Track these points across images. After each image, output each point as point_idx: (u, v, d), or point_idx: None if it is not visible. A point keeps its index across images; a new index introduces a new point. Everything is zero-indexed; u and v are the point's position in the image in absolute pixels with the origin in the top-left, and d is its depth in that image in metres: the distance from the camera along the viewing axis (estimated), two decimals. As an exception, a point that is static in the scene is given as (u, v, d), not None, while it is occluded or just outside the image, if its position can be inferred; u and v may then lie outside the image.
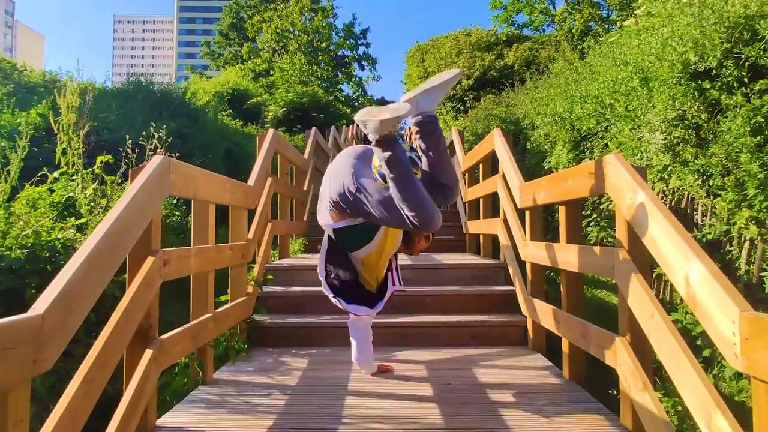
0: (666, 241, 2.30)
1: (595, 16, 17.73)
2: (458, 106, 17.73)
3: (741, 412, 3.56)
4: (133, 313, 2.49)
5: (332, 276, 3.60)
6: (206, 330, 3.48)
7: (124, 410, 2.36)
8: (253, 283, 4.74)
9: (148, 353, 2.65)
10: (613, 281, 2.98)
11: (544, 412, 3.09)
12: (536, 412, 3.09)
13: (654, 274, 5.14)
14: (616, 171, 2.86)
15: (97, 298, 2.04)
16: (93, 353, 2.11)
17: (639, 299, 2.62)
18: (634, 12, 8.99)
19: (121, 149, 5.35)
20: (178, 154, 6.31)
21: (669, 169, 5.24)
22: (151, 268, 2.65)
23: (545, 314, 4.12)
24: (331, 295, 3.60)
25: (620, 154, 2.97)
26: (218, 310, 3.81)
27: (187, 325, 3.22)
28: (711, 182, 4.81)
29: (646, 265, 2.88)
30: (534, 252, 4.40)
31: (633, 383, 2.69)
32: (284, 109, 19.89)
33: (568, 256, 3.58)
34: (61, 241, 4.08)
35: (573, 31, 17.25)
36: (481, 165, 6.82)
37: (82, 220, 4.56)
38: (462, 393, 3.45)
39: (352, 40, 34.72)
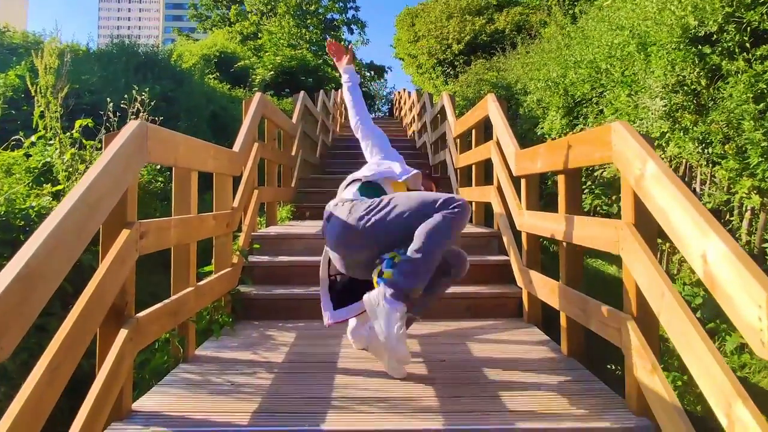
0: (680, 216, 2.13)
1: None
2: (448, 70, 17.49)
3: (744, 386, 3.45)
4: (106, 291, 2.31)
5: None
6: (188, 305, 3.31)
7: (97, 394, 2.19)
8: (238, 253, 4.55)
9: (122, 333, 2.47)
10: (615, 254, 2.83)
11: (544, 392, 2.95)
12: (536, 392, 2.95)
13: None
14: (622, 139, 2.69)
15: (63, 277, 1.86)
16: (59, 336, 1.93)
17: (648, 276, 2.46)
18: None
19: (102, 113, 5.13)
20: (161, 118, 6.14)
21: (667, 137, 5.08)
22: (126, 241, 2.47)
23: (542, 287, 3.98)
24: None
25: (626, 121, 2.80)
26: (201, 283, 3.63)
27: (166, 301, 3.04)
28: (711, 150, 4.66)
29: (654, 238, 2.72)
30: (531, 222, 4.24)
31: (640, 364, 2.54)
32: (272, 72, 19.54)
33: (567, 228, 3.42)
34: (35, 209, 3.88)
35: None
36: (473, 131, 6.63)
37: (59, 187, 4.36)
38: (457, 370, 3.31)
39: (341, 3, 34.13)
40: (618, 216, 5.86)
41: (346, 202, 3.22)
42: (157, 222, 2.88)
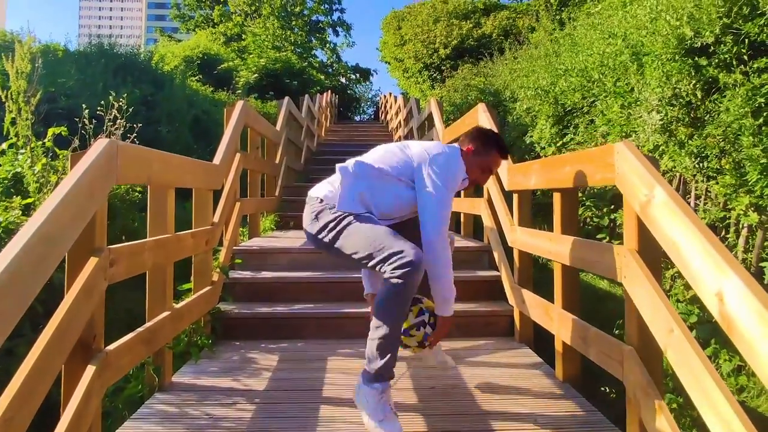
0: (693, 249, 1.98)
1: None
2: (435, 75, 17.37)
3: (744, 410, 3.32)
4: (71, 325, 2.12)
5: None
6: (163, 331, 3.12)
7: (61, 439, 2.01)
8: (218, 270, 4.36)
9: (90, 369, 2.28)
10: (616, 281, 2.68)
11: (540, 425, 2.80)
12: (531, 425, 2.79)
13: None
14: (627, 161, 2.53)
15: (19, 317, 1.67)
16: (15, 382, 1.74)
17: (653, 308, 2.31)
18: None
19: (78, 119, 4.93)
20: (140, 125, 5.94)
21: (660, 149, 4.95)
22: (93, 270, 2.28)
23: (535, 307, 3.83)
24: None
25: (631, 142, 2.64)
26: (178, 305, 3.44)
27: (139, 330, 2.85)
28: (706, 164, 4.53)
29: (658, 267, 2.57)
30: (523, 239, 4.09)
31: (644, 402, 2.39)
32: (256, 75, 19.31)
33: (564, 248, 3.26)
34: (3, 224, 3.69)
35: (551, 0, 16.86)
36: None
37: (30, 200, 4.15)
38: (448, 399, 3.15)
39: (326, 5, 33.87)
40: (608, 228, 5.73)
41: (314, 203, 3.01)
42: (128, 247, 2.68)
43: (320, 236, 2.94)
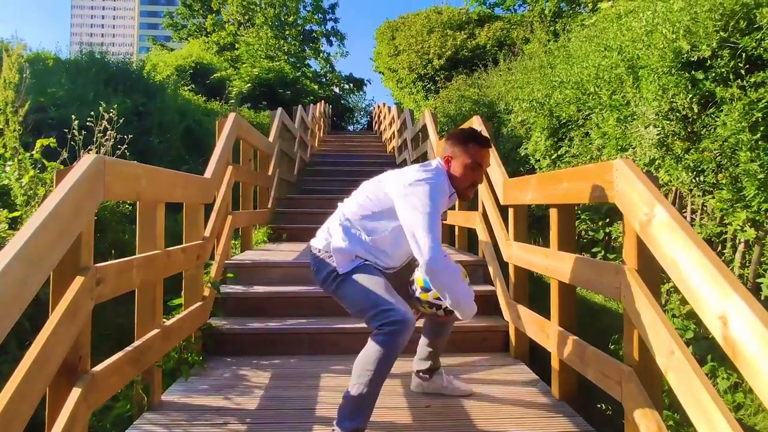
0: (696, 271, 1.93)
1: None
2: (429, 86, 17.34)
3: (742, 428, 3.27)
4: (55, 347, 2.05)
5: None
6: (153, 349, 3.04)
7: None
8: (210, 285, 4.29)
9: (75, 392, 2.21)
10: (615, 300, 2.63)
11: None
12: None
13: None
14: (626, 179, 2.48)
15: (0, 341, 1.61)
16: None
17: (654, 330, 2.26)
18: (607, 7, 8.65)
19: (67, 130, 4.86)
20: (131, 136, 5.88)
21: (656, 164, 4.91)
22: (79, 290, 2.21)
23: (531, 324, 3.78)
24: None
25: (629, 159, 2.60)
26: (168, 323, 3.37)
27: (127, 349, 2.77)
28: (703, 178, 4.50)
29: (658, 287, 2.53)
30: (519, 254, 4.04)
31: (644, 424, 2.34)
32: (249, 84, 19.30)
33: (561, 265, 3.21)
34: (-11, 239, 3.62)
35: (545, 12, 16.89)
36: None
37: (17, 213, 4.08)
38: (442, 418, 3.09)
39: (320, 15, 33.95)
40: (604, 242, 5.69)
41: (315, 253, 3.04)
42: (116, 265, 2.61)
43: (325, 286, 3.01)
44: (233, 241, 6.05)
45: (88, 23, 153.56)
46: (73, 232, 2.13)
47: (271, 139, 7.92)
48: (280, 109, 9.14)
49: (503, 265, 4.57)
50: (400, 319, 2.64)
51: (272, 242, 7.17)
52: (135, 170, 2.80)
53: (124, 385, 2.89)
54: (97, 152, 5.22)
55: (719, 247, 4.54)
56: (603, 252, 5.51)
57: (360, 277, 2.85)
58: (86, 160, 2.29)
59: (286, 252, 5.99)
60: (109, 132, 5.34)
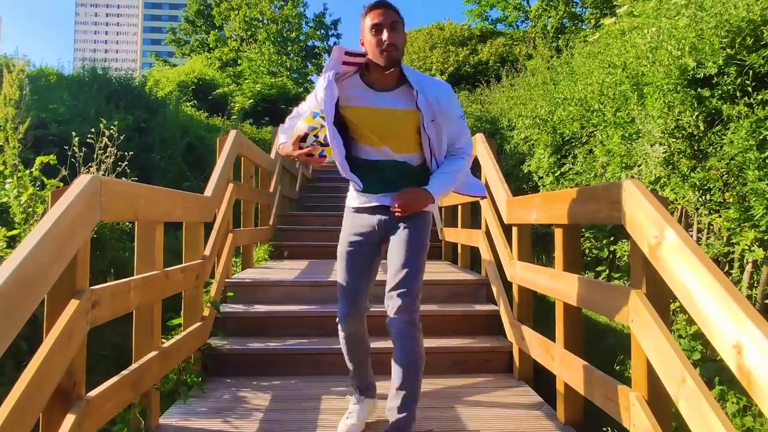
0: (708, 297, 1.87)
1: (569, 14, 17.42)
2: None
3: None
4: (49, 372, 2.00)
5: None
6: (151, 372, 2.98)
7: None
8: (209, 305, 4.23)
9: (69, 419, 2.15)
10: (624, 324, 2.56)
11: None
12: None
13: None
14: (635, 201, 2.42)
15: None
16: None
17: (664, 357, 2.20)
18: (614, 11, 8.64)
19: (67, 147, 4.82)
20: (131, 153, 5.84)
21: (662, 181, 4.86)
22: (74, 314, 2.16)
23: (536, 345, 3.71)
24: None
25: (639, 180, 2.55)
26: (167, 344, 3.30)
27: (124, 372, 2.71)
28: (709, 197, 4.44)
29: (667, 311, 2.47)
30: (523, 274, 3.98)
31: (654, 454, 2.27)
32: (252, 100, 19.24)
33: (567, 287, 3.15)
34: (-14, 257, 3.56)
35: (548, 28, 16.93)
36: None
37: (15, 232, 4.03)
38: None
39: (322, 31, 34.02)
40: (608, 261, 5.63)
41: None
42: (112, 288, 2.55)
43: None
44: (234, 259, 5.99)
45: (92, 39, 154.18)
46: (69, 254, 2.08)
47: (272, 155, 7.88)
48: (281, 125, 9.06)
49: (506, 285, 4.51)
50: (338, 316, 3.04)
51: (273, 260, 7.11)
52: (132, 189, 2.75)
53: (121, 409, 2.82)
54: (97, 169, 5.18)
55: (726, 267, 4.48)
56: (608, 271, 5.45)
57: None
58: (82, 180, 2.24)
59: (287, 270, 5.93)
60: (109, 149, 5.30)
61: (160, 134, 9.46)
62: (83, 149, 4.98)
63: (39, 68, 10.42)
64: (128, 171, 5.48)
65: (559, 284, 3.26)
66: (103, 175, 4.63)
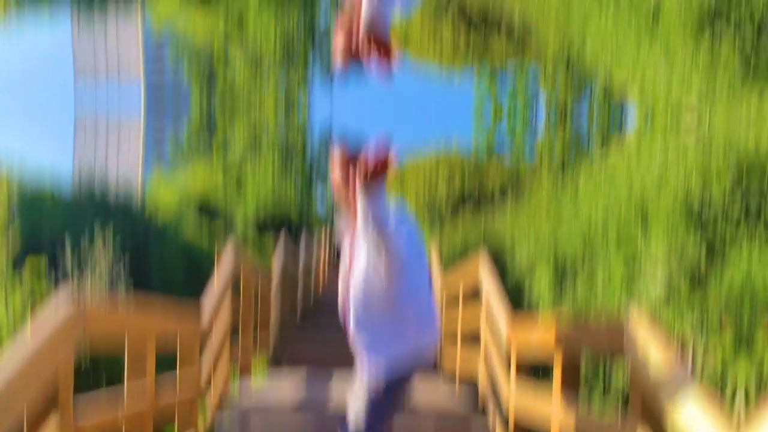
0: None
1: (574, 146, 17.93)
2: (434, 219, 17.53)
3: None
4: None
5: None
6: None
7: None
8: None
9: None
10: None
11: None
12: None
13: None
14: (638, 335, 2.37)
15: None
16: None
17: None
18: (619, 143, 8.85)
19: (57, 270, 4.80)
20: (131, 278, 5.77)
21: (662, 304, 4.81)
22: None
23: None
24: None
25: (643, 314, 2.49)
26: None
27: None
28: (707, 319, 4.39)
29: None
30: (520, 401, 3.85)
31: None
32: (255, 209, 19.39)
33: (567, 420, 3.04)
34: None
35: (555, 161, 17.39)
36: (461, 291, 6.27)
37: None
38: None
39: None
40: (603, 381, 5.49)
41: None
42: (97, 426, 2.40)
43: None
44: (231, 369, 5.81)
45: (92, 146, 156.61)
46: (46, 382, 1.97)
47: (273, 267, 7.83)
48: (283, 232, 9.04)
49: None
50: None
51: (272, 376, 6.88)
52: (120, 314, 2.64)
53: None
54: (91, 271, 5.13)
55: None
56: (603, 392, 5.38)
57: None
58: (63, 296, 2.14)
59: (285, 388, 5.67)
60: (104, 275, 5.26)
61: (160, 254, 9.43)
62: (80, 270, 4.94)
63: (35, 191, 10.45)
64: (122, 275, 5.40)
65: (562, 416, 3.13)
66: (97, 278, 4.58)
